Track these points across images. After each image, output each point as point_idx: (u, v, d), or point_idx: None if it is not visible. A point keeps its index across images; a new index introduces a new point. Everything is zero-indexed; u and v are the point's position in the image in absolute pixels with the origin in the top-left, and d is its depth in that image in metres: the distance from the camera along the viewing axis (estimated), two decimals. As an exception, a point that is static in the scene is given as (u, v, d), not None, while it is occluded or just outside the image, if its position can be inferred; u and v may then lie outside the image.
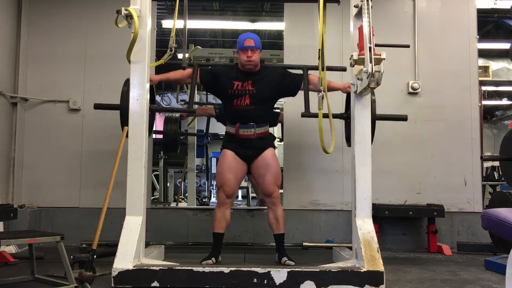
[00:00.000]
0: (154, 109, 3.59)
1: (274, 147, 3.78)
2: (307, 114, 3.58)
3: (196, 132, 6.82)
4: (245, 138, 3.63)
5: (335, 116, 3.57)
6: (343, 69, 4.01)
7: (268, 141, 3.73)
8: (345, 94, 3.74)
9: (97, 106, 3.76)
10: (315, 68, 3.21)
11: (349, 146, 3.52)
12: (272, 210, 3.62)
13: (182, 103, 6.68)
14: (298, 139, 4.69)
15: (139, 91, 3.08)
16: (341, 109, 3.81)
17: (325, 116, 3.25)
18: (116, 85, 4.53)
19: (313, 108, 3.38)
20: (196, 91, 3.74)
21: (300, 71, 3.75)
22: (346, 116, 3.62)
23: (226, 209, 3.60)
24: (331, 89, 3.61)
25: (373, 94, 3.46)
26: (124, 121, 3.23)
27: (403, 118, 3.76)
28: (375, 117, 3.46)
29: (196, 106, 5.50)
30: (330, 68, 3.66)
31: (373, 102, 3.45)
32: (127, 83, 3.26)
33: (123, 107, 3.32)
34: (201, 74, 3.71)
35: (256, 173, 3.68)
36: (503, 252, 3.89)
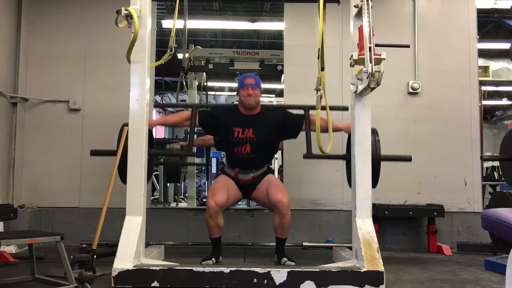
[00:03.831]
0: (153, 153, 3.52)
1: (273, 173, 3.81)
2: (309, 155, 3.54)
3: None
4: (244, 182, 3.66)
5: (336, 157, 3.64)
6: (345, 109, 3.74)
7: (266, 173, 3.73)
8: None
9: (94, 153, 3.66)
10: (315, 108, 3.19)
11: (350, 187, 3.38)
12: (279, 217, 3.52)
13: (182, 103, 6.68)
14: (298, 139, 4.67)
15: (139, 91, 3.08)
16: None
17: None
18: (116, 85, 4.57)
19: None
20: (195, 121, 3.67)
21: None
22: (348, 158, 3.47)
23: (217, 217, 3.49)
24: (334, 129, 3.60)
25: (377, 135, 3.43)
26: (122, 167, 3.18)
27: (407, 159, 3.68)
28: (380, 158, 3.38)
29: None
30: (332, 108, 3.43)
31: (377, 143, 3.38)
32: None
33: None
34: (200, 117, 3.67)
35: (260, 194, 3.65)
36: (503, 252, 3.88)
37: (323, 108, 3.12)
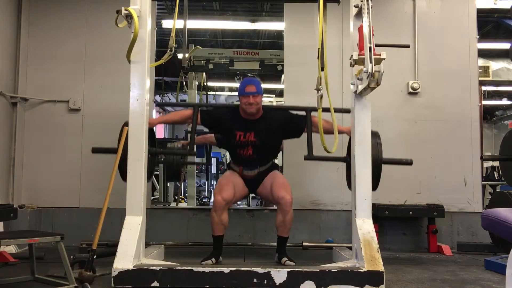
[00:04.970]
0: (154, 152, 3.54)
1: (278, 169, 3.83)
2: (310, 157, 3.54)
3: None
4: (249, 177, 3.70)
5: (337, 159, 3.64)
6: (347, 111, 3.59)
7: (271, 168, 3.76)
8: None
9: (95, 150, 3.65)
10: (316, 110, 3.17)
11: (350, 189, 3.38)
12: (281, 214, 3.55)
13: (183, 102, 6.68)
14: (298, 138, 4.68)
15: (139, 91, 3.08)
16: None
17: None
18: (116, 85, 4.57)
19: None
20: (197, 121, 3.66)
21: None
22: (348, 160, 3.46)
23: (222, 213, 3.51)
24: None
25: (378, 138, 3.40)
26: (122, 165, 3.18)
27: (408, 163, 3.66)
28: (381, 161, 3.37)
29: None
30: (336, 110, 3.38)
31: (379, 146, 3.38)
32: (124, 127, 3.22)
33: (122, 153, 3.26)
34: (202, 117, 3.67)
35: (264, 190, 3.69)
36: (503, 252, 3.89)
37: (325, 109, 3.11)
